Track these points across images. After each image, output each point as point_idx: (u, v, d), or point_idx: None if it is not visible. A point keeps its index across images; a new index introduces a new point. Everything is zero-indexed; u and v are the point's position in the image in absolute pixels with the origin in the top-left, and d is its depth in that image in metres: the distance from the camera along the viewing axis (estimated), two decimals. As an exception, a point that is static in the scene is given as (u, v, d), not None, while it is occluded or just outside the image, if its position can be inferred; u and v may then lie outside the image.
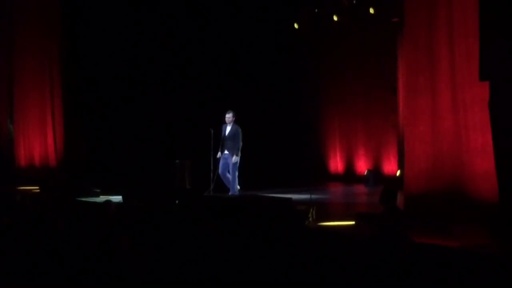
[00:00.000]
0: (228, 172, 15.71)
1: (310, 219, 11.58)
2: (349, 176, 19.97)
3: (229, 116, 15.69)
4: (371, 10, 18.46)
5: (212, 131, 15.84)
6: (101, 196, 16.21)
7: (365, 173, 19.33)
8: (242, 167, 15.82)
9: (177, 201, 14.16)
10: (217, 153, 15.68)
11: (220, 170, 15.71)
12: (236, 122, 15.69)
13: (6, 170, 20.81)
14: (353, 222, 11.23)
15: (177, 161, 16.89)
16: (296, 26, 20.49)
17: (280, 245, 9.96)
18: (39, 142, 20.32)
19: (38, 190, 17.60)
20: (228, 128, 15.67)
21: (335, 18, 19.59)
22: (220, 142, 15.67)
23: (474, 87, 10.51)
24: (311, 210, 11.82)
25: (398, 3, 16.51)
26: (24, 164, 20.73)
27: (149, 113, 17.16)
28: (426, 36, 11.41)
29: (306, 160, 20.51)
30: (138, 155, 16.72)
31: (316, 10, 20.05)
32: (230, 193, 15.53)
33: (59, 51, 19.73)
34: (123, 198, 14.93)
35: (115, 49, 19.24)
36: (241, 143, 15.61)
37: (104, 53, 19.23)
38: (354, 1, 18.87)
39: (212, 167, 15.75)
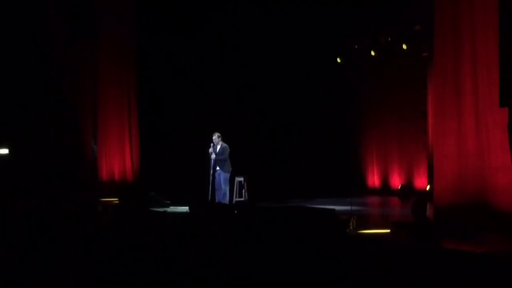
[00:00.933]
0: (220, 186, 15.76)
1: (351, 227, 11.46)
2: (385, 190, 19.78)
3: (215, 137, 15.73)
4: (404, 46, 18.31)
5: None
6: (171, 207, 16.27)
7: (399, 187, 19.12)
8: (292, 180, 15.84)
9: (235, 211, 14.14)
10: (212, 171, 15.74)
11: (217, 184, 15.86)
12: (222, 140, 15.71)
13: (91, 184, 21.03)
14: (388, 230, 11.08)
15: (238, 178, 17.04)
16: (339, 60, 20.44)
17: (325, 250, 9.86)
18: (118, 160, 20.51)
19: (118, 201, 17.72)
20: (218, 147, 15.71)
21: (372, 53, 19.47)
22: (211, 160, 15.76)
23: (495, 112, 10.35)
24: (352, 219, 11.70)
25: (428, 40, 16.44)
26: (105, 179, 20.92)
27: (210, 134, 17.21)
28: (453, 68, 11.26)
29: (347, 175, 20.37)
30: (202, 171, 16.76)
31: (356, 46, 19.97)
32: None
33: (136, 82, 19.95)
34: (189, 208, 14.97)
35: (182, 81, 19.42)
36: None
37: (173, 84, 19.42)
38: (389, 39, 18.75)
39: (212, 183, 15.90)
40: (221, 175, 15.80)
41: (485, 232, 10.11)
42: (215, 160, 15.78)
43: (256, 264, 8.37)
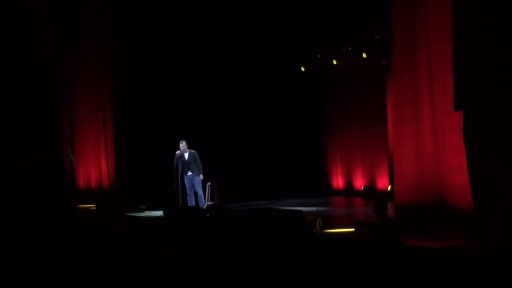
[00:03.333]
0: (195, 190, 15.69)
1: (318, 227, 11.50)
2: (349, 191, 19.89)
3: (183, 145, 15.79)
4: (364, 55, 18.44)
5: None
6: (145, 212, 16.20)
7: (362, 188, 19.23)
8: (262, 182, 15.82)
9: (208, 215, 14.11)
10: (177, 176, 15.72)
11: (188, 189, 15.78)
12: (189, 148, 15.76)
13: (69, 191, 20.86)
14: (353, 229, 11.14)
15: (208, 183, 16.98)
16: (303, 69, 20.57)
17: (294, 249, 9.88)
18: (94, 167, 20.37)
19: (95, 208, 17.59)
20: (187, 154, 15.71)
21: (334, 62, 19.59)
22: (176, 166, 15.69)
23: (450, 115, 10.42)
24: (318, 219, 11.74)
25: (386, 49, 16.56)
26: (83, 186, 20.78)
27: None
28: (410, 74, 11.35)
29: (313, 178, 20.45)
30: (176, 175, 16.71)
31: (318, 56, 20.09)
32: (200, 205, 15.69)
33: (111, 92, 19.81)
34: (163, 213, 14.91)
35: (155, 89, 19.38)
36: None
37: (147, 92, 19.37)
38: (350, 48, 18.88)
39: (179, 187, 15.83)
40: (195, 179, 15.74)
41: (443, 229, 10.19)
42: (187, 165, 15.70)
43: (229, 264, 8.36)
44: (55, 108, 22.31)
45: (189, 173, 15.74)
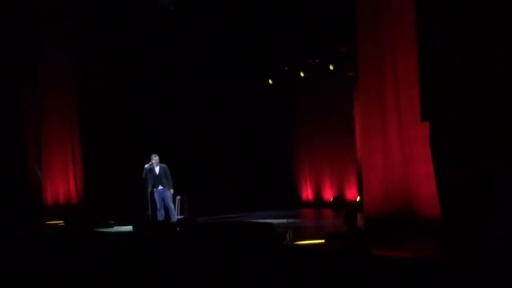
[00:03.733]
0: (165, 204, 15.65)
1: (288, 239, 11.51)
2: (318, 202, 19.94)
3: (156, 159, 15.72)
4: (331, 67, 18.59)
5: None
6: (115, 227, 16.09)
7: (331, 199, 19.30)
8: (229, 195, 15.79)
9: (178, 229, 14.07)
10: (148, 189, 15.62)
11: (158, 203, 15.64)
12: (160, 162, 15.70)
13: (36, 208, 20.63)
14: (323, 240, 11.18)
15: (177, 196, 16.92)
16: (270, 81, 20.69)
17: (264, 262, 9.88)
18: (62, 183, 20.17)
19: (63, 224, 17.44)
20: (157, 168, 15.65)
21: (302, 74, 19.73)
22: (146, 179, 15.60)
23: (417, 126, 10.54)
24: (288, 231, 11.75)
25: (352, 61, 16.72)
26: (50, 202, 20.55)
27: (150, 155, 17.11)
28: (376, 86, 11.48)
29: (282, 190, 20.50)
30: (144, 191, 16.66)
31: (286, 68, 20.22)
32: (172, 221, 15.51)
33: (77, 110, 19.66)
34: (133, 227, 14.84)
35: (121, 106, 19.35)
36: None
37: (113, 109, 19.32)
38: (317, 60, 19.01)
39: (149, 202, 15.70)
40: (165, 193, 15.64)
41: (412, 239, 10.28)
42: (158, 179, 15.61)
43: (200, 278, 8.34)
44: (21, 125, 22.07)
45: (160, 187, 15.65)
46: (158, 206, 15.64)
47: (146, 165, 15.64)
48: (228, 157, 20.53)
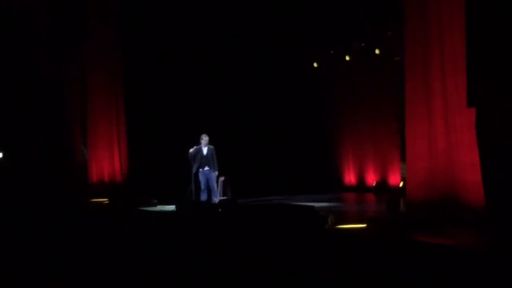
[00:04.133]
0: (208, 185, 15.68)
1: (329, 223, 11.53)
2: (361, 187, 19.88)
3: (206, 139, 15.69)
4: (377, 51, 18.44)
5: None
6: (158, 206, 16.27)
7: (374, 184, 19.22)
8: (273, 178, 15.79)
9: (220, 210, 14.20)
10: (193, 170, 15.62)
11: (202, 184, 15.66)
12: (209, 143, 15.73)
13: (82, 186, 20.97)
14: (365, 225, 11.18)
15: (221, 178, 16.98)
16: (315, 64, 20.63)
17: (305, 245, 9.93)
18: (107, 162, 20.46)
19: (107, 202, 17.70)
20: (205, 149, 15.65)
21: (347, 58, 19.62)
22: (194, 160, 15.59)
23: (463, 113, 10.45)
24: (330, 215, 11.77)
25: (399, 45, 16.55)
26: (95, 180, 20.87)
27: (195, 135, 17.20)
28: (423, 72, 11.37)
29: (325, 174, 20.48)
30: (189, 171, 16.76)
31: (331, 52, 20.12)
32: (214, 201, 15.49)
33: (123, 85, 19.89)
34: (176, 207, 15.00)
35: (168, 84, 19.48)
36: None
37: (159, 87, 19.47)
38: (363, 44, 18.88)
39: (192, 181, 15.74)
40: (211, 174, 15.65)
41: (455, 226, 10.22)
42: (206, 160, 15.64)
43: (241, 259, 8.43)
44: (67, 103, 22.39)
45: (206, 168, 15.67)
46: (202, 187, 15.71)
47: (194, 147, 15.64)
48: (272, 139, 20.54)
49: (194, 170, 15.65)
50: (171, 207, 15.22)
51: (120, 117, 19.94)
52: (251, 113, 20.22)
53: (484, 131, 9.74)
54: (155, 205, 16.43)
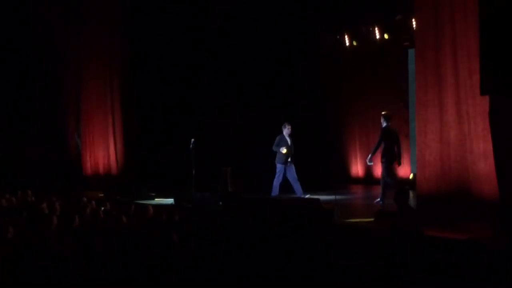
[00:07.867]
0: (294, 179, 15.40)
1: (336, 216, 11.53)
2: (368, 179, 19.85)
3: (289, 128, 15.47)
4: (386, 36, 18.40)
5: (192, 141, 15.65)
6: (156, 199, 16.29)
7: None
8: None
9: (220, 203, 14.20)
10: (281, 162, 15.35)
11: (292, 178, 15.40)
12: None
13: (75, 178, 20.98)
14: (372, 219, 11.18)
15: (222, 168, 16.91)
16: (321, 51, 20.59)
17: (311, 238, 9.94)
18: (102, 153, 20.45)
19: (102, 195, 17.71)
20: (289, 140, 15.45)
21: (354, 43, 19.58)
22: (288, 151, 15.35)
23: (476, 100, 10.42)
24: (336, 208, 11.77)
25: (409, 30, 16.51)
26: (90, 173, 20.87)
27: (196, 127, 17.20)
28: (434, 57, 11.33)
29: (331, 165, 20.43)
30: (187, 162, 16.76)
31: (338, 37, 20.07)
32: (299, 195, 15.17)
33: (119, 76, 19.90)
34: (174, 200, 15.02)
35: (165, 75, 19.47)
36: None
37: (156, 78, 19.45)
38: (371, 28, 18.82)
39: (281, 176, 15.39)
40: (292, 166, 15.45)
41: (467, 220, 10.21)
42: (291, 154, 15.39)
43: (243, 253, 8.43)
44: (61, 93, 22.40)
45: (289, 160, 15.39)
46: (291, 180, 15.42)
47: (284, 135, 15.32)
48: (277, 131, 20.50)
49: (282, 162, 15.29)
50: (170, 201, 15.24)
51: (116, 106, 19.96)
52: (255, 104, 20.11)
53: (498, 120, 9.71)
54: (153, 198, 16.45)
